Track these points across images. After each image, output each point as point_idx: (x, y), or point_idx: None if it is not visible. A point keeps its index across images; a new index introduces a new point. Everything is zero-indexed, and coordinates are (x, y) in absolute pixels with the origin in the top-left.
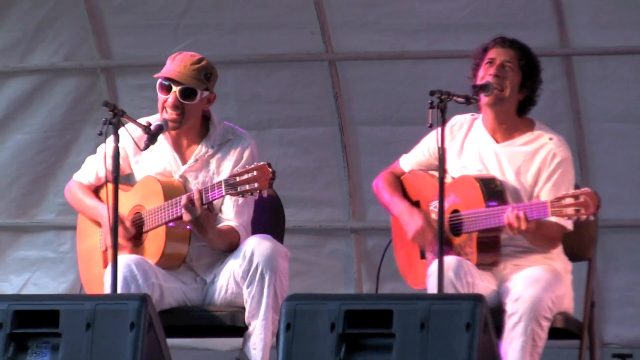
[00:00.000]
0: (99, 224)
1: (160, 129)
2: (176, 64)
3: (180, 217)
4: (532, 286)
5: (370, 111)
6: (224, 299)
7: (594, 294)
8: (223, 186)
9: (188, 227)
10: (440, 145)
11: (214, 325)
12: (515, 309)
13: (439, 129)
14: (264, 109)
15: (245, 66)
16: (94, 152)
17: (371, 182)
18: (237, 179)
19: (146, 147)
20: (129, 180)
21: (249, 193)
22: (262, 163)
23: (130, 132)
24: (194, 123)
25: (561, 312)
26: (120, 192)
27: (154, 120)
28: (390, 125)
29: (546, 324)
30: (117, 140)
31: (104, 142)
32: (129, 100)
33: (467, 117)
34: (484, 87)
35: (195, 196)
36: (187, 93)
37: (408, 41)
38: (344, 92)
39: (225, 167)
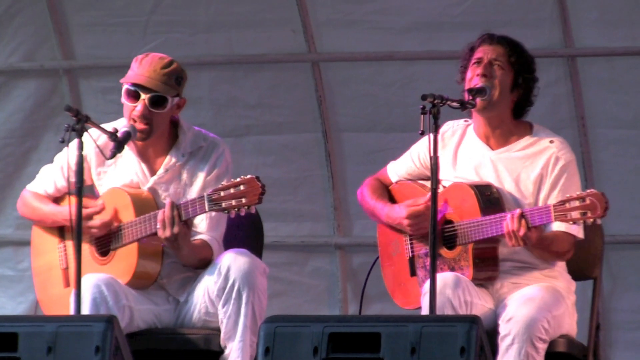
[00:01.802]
0: (57, 239)
1: (128, 136)
2: (144, 68)
3: (155, 234)
4: (525, 305)
5: (357, 117)
6: (197, 320)
7: (599, 315)
8: (206, 202)
9: (162, 244)
10: (433, 154)
11: (186, 349)
12: (508, 330)
13: (432, 136)
14: (242, 114)
15: (221, 67)
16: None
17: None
18: (222, 193)
19: (112, 155)
20: (91, 191)
21: (235, 209)
22: (249, 176)
23: (94, 140)
24: (162, 131)
25: (563, 335)
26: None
27: (121, 126)
28: (379, 132)
29: (542, 346)
30: (81, 147)
31: (66, 149)
32: (93, 104)
33: (460, 123)
34: (480, 91)
35: (169, 213)
36: (157, 101)
37: (398, 41)
38: (328, 95)
39: (199, 177)
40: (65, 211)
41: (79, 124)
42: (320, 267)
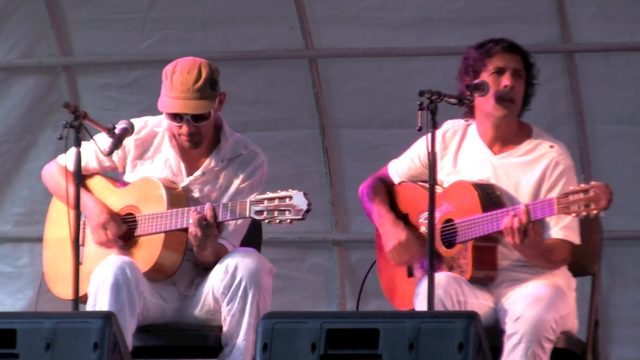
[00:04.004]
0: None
1: (125, 132)
2: (177, 90)
3: (184, 230)
4: (534, 305)
5: (355, 113)
6: (200, 315)
7: (598, 311)
8: (248, 207)
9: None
10: (430, 150)
11: (185, 345)
12: (516, 329)
13: (429, 133)
14: (239, 110)
15: (218, 64)
16: (54, 157)
17: (355, 189)
18: (266, 202)
19: (111, 151)
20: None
21: (277, 221)
22: (297, 191)
23: (94, 140)
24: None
25: (563, 332)
26: (108, 186)
27: (119, 123)
28: (376, 128)
29: (548, 346)
30: (78, 144)
31: (65, 147)
32: (91, 100)
33: (460, 123)
34: (478, 87)
35: (209, 213)
36: (200, 117)
37: (395, 37)
38: (326, 92)
39: (234, 183)
40: (89, 201)
41: (77, 121)
42: (318, 264)
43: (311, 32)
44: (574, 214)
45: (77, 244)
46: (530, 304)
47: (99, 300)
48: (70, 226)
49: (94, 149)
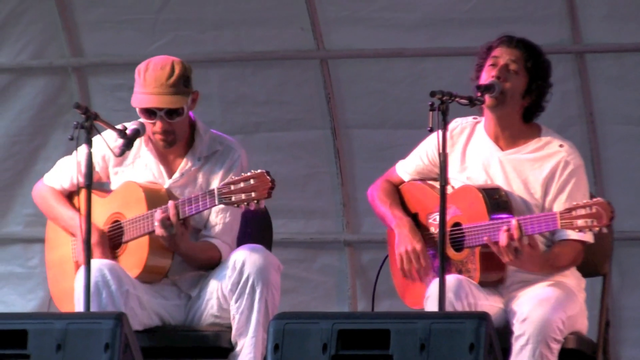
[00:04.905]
0: (71, 233)
1: (136, 133)
2: (150, 85)
3: (154, 231)
4: (540, 306)
5: (366, 113)
6: (208, 316)
7: (608, 312)
8: (216, 196)
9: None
10: (442, 150)
11: (196, 346)
12: (523, 330)
13: (440, 133)
14: (250, 111)
15: (230, 65)
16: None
17: (366, 190)
18: (232, 187)
19: (122, 153)
20: (104, 186)
21: (245, 203)
22: (259, 171)
23: (104, 138)
24: (184, 132)
25: (574, 332)
26: (95, 199)
27: (130, 124)
28: (387, 129)
29: (556, 347)
30: (89, 145)
31: (76, 147)
32: (102, 101)
33: (469, 120)
34: (488, 88)
35: (171, 211)
36: (174, 112)
37: (406, 37)
38: (337, 92)
39: (214, 181)
40: (77, 219)
41: (88, 122)
42: (329, 264)
43: (322, 33)
44: (577, 230)
45: (88, 244)
46: (536, 305)
47: (82, 305)
48: (81, 225)
49: (76, 164)
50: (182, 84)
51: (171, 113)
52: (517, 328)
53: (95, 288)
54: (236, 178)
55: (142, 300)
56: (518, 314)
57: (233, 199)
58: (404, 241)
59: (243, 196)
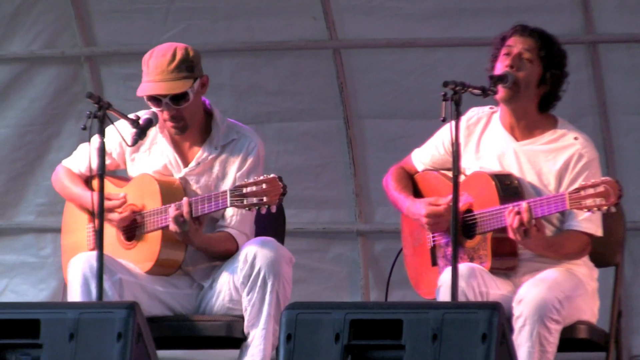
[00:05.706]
0: (87, 218)
1: (149, 122)
2: (152, 73)
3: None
4: (536, 286)
5: (378, 104)
6: (221, 307)
7: (621, 302)
8: (228, 197)
9: None
10: (455, 140)
11: (208, 336)
12: (520, 311)
13: (453, 124)
14: (263, 101)
15: (242, 54)
16: (76, 148)
17: (379, 180)
18: (244, 190)
19: (134, 142)
20: (120, 174)
21: (256, 207)
22: (272, 176)
23: (117, 127)
24: (197, 121)
25: (584, 322)
26: (112, 186)
27: (144, 113)
28: (400, 119)
29: (555, 327)
30: (102, 135)
31: (89, 137)
32: (115, 91)
33: (485, 110)
34: (501, 78)
35: (185, 209)
36: (178, 98)
37: (419, 27)
38: (350, 82)
39: (230, 170)
40: (89, 196)
41: (101, 111)
42: (342, 254)
43: (335, 22)
44: (586, 210)
45: (100, 234)
46: (532, 286)
47: (73, 297)
48: (94, 206)
49: (94, 150)
50: (185, 68)
51: (177, 99)
52: (515, 310)
53: (84, 279)
54: (249, 181)
55: (146, 289)
56: (516, 296)
57: (245, 202)
58: (415, 216)
59: (255, 200)
